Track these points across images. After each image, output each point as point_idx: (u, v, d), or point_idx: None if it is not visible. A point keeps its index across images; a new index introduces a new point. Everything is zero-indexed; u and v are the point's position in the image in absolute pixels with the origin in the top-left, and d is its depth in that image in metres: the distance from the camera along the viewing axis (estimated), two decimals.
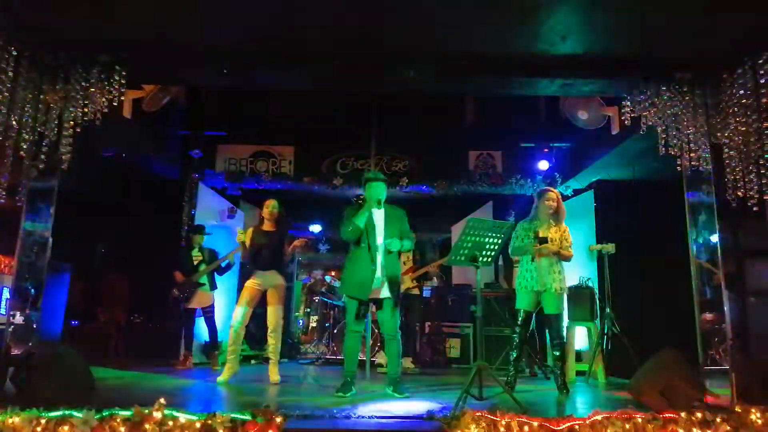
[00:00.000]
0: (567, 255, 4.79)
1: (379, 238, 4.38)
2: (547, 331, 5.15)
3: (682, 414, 2.92)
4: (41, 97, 4.09)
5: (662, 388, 3.48)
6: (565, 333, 5.07)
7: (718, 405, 3.58)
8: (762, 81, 3.70)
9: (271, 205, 5.23)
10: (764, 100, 3.70)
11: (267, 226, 5.20)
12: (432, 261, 7.07)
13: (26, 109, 3.98)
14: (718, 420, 2.88)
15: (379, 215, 4.44)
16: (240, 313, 4.95)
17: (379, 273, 4.33)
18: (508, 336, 5.73)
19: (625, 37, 4.03)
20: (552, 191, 4.94)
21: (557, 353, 4.71)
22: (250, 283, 5.04)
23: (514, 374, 4.74)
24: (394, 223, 4.44)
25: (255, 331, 6.83)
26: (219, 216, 7.55)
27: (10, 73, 3.84)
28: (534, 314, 4.90)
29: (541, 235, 4.66)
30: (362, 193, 4.58)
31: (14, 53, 3.87)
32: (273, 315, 5.02)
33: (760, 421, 2.92)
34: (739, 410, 3.02)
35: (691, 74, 4.24)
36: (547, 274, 4.68)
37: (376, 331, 6.70)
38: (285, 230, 5.28)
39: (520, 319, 4.78)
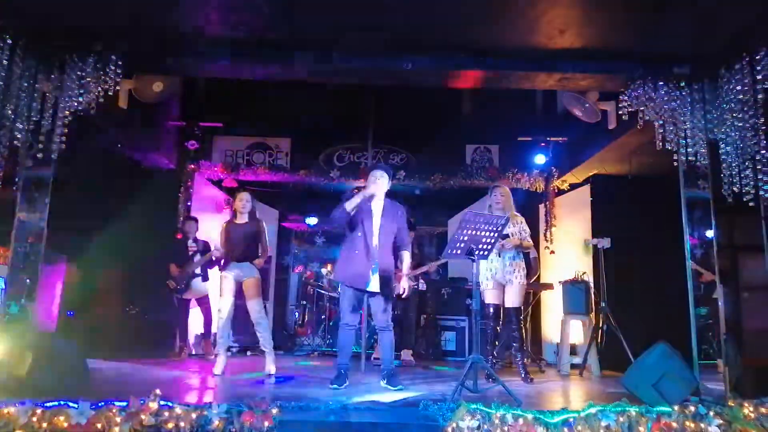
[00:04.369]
0: (528, 246, 5.09)
1: (376, 228, 4.34)
2: (505, 324, 5.27)
3: (676, 408, 2.94)
4: (36, 86, 4.06)
5: (656, 381, 3.50)
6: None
7: (711, 399, 3.61)
8: (759, 77, 3.70)
9: (244, 198, 5.14)
10: (761, 95, 3.70)
11: (240, 219, 5.15)
12: (429, 258, 7.08)
13: (21, 98, 3.96)
14: (711, 414, 2.90)
15: (377, 206, 4.40)
16: (224, 303, 4.95)
17: (373, 263, 4.28)
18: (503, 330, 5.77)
19: (624, 32, 4.03)
20: (502, 187, 5.18)
21: (517, 345, 4.97)
22: (226, 274, 4.99)
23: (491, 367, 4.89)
24: (391, 218, 4.40)
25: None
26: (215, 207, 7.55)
27: (5, 62, 3.82)
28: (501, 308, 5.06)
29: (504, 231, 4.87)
30: (359, 186, 4.57)
31: (9, 41, 3.85)
32: (253, 309, 4.96)
33: (752, 415, 2.94)
34: (732, 404, 3.04)
35: (689, 69, 4.25)
36: (509, 268, 4.93)
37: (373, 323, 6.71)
38: (258, 222, 5.20)
39: (491, 313, 4.97)
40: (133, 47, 4.22)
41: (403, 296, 4.38)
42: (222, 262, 5.17)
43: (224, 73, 4.70)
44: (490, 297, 4.99)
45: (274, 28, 4.09)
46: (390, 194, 4.52)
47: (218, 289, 5.05)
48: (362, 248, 4.29)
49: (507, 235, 4.88)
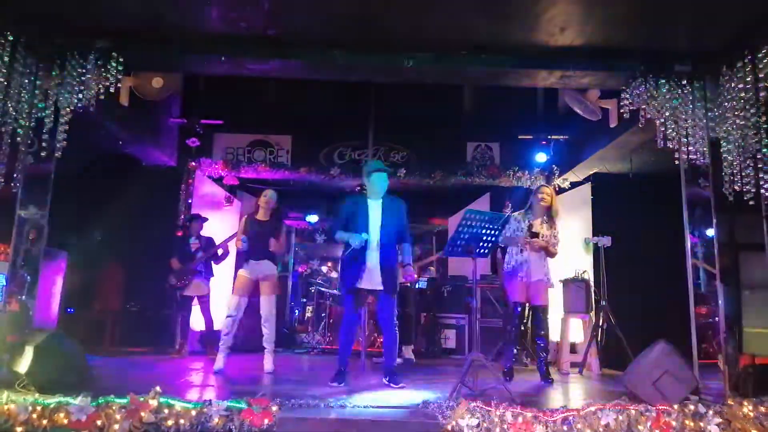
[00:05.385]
0: (553, 252, 4.96)
1: (376, 230, 4.31)
2: (532, 322, 5.27)
3: (675, 406, 2.94)
4: (37, 83, 4.06)
5: (656, 380, 3.50)
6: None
7: (711, 397, 3.61)
8: (761, 75, 3.69)
9: (268, 195, 5.24)
10: (762, 94, 3.69)
11: (261, 216, 5.19)
12: (428, 254, 7.08)
13: (22, 95, 3.96)
14: (711, 412, 2.90)
15: (376, 207, 4.38)
16: (235, 302, 4.96)
17: (374, 264, 4.27)
18: (503, 328, 5.78)
19: (625, 29, 4.02)
20: (546, 188, 5.14)
21: (543, 344, 4.88)
22: (243, 272, 5.04)
23: (510, 367, 4.90)
24: (392, 216, 4.37)
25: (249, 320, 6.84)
26: (215, 204, 7.55)
27: (6, 59, 3.82)
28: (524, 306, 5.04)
29: (534, 229, 4.83)
30: (362, 184, 4.54)
31: (10, 38, 3.84)
32: (266, 305, 5.01)
33: (752, 414, 2.94)
34: (732, 403, 3.04)
35: (690, 67, 4.24)
36: (537, 267, 4.87)
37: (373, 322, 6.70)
38: (279, 221, 5.26)
39: (518, 311, 4.92)
40: (134, 45, 4.21)
41: (418, 278, 4.37)
42: (241, 256, 5.16)
43: (224, 70, 4.70)
44: (516, 294, 4.91)
45: (274, 25, 4.08)
46: (390, 191, 4.50)
47: (232, 286, 5.08)
48: (362, 251, 4.26)
49: (536, 235, 4.82)
